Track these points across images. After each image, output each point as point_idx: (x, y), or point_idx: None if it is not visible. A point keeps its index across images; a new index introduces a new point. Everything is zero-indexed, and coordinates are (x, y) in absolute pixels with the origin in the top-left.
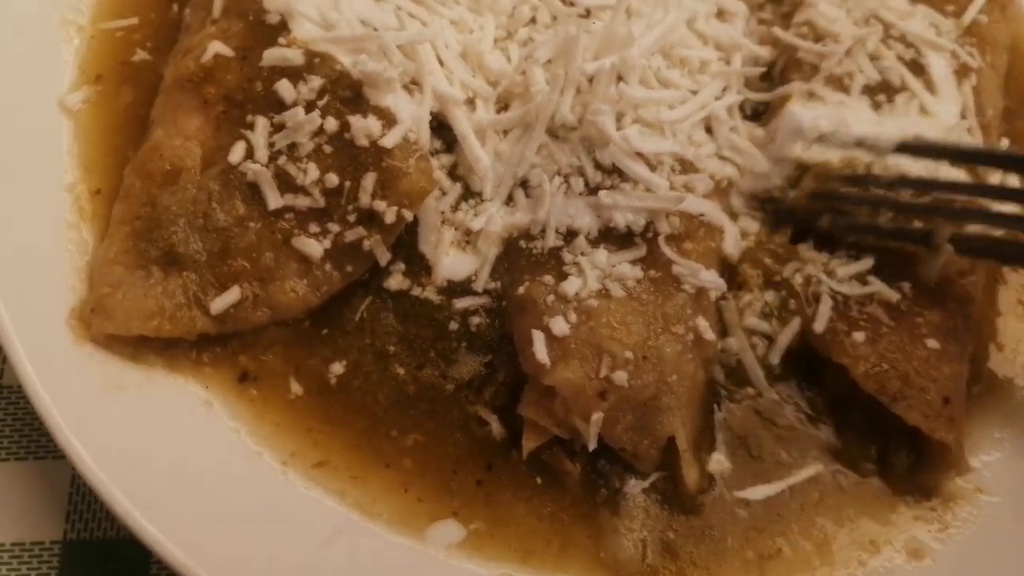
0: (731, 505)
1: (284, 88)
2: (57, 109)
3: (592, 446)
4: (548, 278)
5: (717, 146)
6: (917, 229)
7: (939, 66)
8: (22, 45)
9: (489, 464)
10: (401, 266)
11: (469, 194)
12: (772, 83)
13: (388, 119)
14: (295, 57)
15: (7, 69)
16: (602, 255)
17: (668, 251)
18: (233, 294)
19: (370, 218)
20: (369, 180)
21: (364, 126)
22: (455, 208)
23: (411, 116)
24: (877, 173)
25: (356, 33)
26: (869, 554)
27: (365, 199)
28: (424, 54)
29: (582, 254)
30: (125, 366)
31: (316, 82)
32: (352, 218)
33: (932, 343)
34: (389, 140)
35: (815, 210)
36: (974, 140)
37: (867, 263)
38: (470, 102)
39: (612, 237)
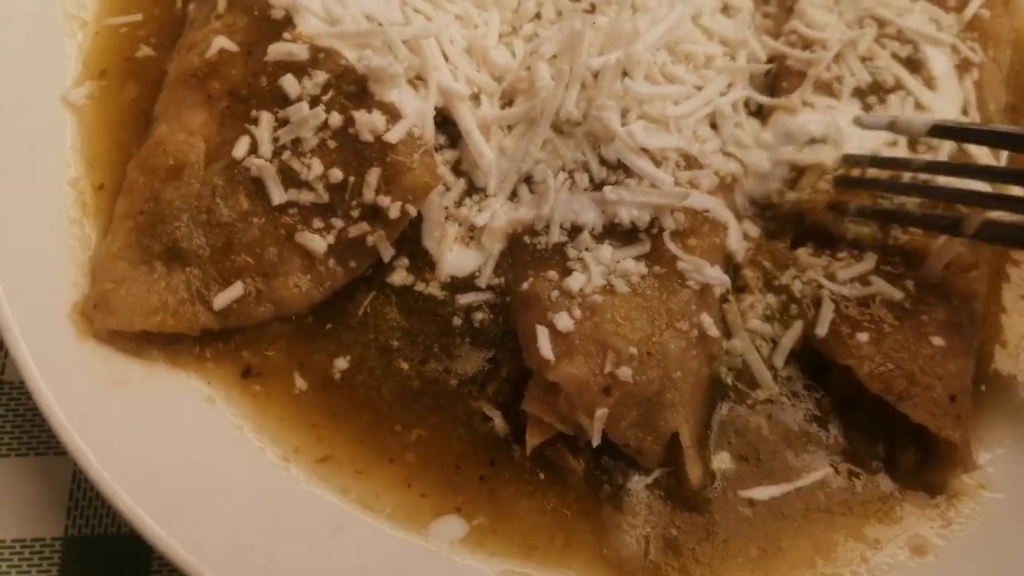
0: (735, 504)
1: (288, 83)
2: (61, 104)
3: (596, 442)
4: (552, 274)
5: (722, 142)
6: (947, 215)
7: (939, 61)
8: (26, 40)
9: (492, 460)
10: (405, 262)
11: (473, 190)
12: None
13: (392, 114)
14: (300, 52)
15: (11, 64)
16: (606, 251)
17: (673, 247)
18: (236, 289)
19: (374, 213)
20: (373, 175)
21: (368, 121)
22: (459, 204)
23: (416, 111)
24: (908, 157)
25: (361, 28)
26: (872, 551)
27: (369, 194)
28: (429, 49)
29: (586, 250)
30: (128, 362)
31: (320, 77)
32: (356, 213)
33: (937, 340)
34: (393, 135)
35: (841, 198)
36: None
37: (869, 264)
38: (475, 97)
39: (616, 233)
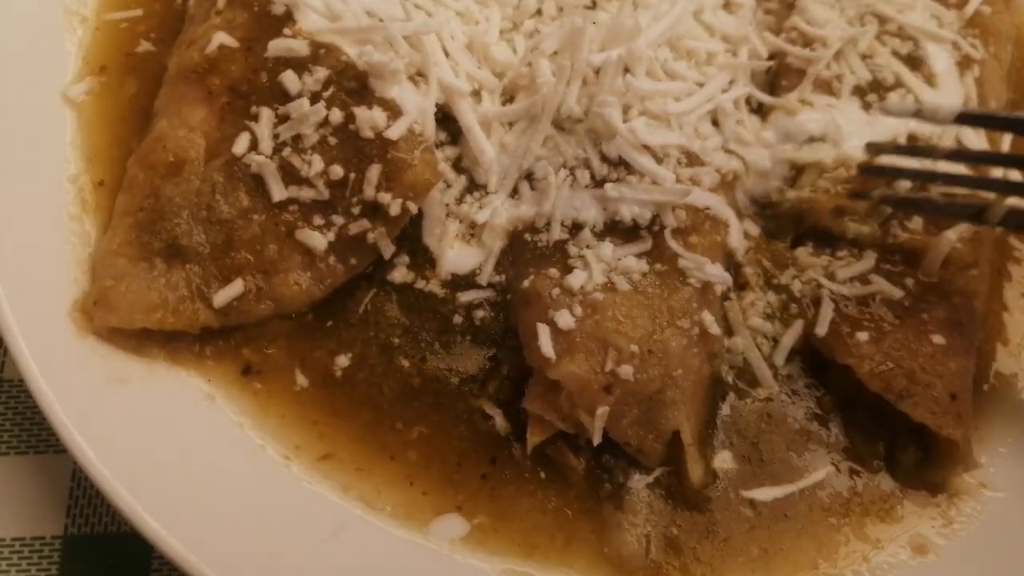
0: (737, 504)
1: (289, 79)
2: (60, 100)
3: (597, 440)
4: (553, 271)
5: (723, 139)
6: (971, 204)
7: (940, 58)
8: (26, 36)
9: (493, 458)
10: (405, 259)
11: (474, 186)
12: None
13: (393, 111)
14: (300, 48)
15: (10, 60)
16: (608, 248)
17: (674, 244)
18: (236, 287)
19: (374, 210)
20: (374, 172)
21: (369, 117)
22: (460, 200)
23: (416, 108)
24: (931, 146)
25: (362, 24)
26: (873, 550)
27: (370, 191)
28: (430, 45)
29: (587, 247)
30: (128, 359)
31: (321, 73)
32: (356, 210)
33: (937, 339)
34: (394, 132)
35: (867, 185)
36: (974, 132)
37: (868, 263)
38: (476, 94)
39: (618, 230)
